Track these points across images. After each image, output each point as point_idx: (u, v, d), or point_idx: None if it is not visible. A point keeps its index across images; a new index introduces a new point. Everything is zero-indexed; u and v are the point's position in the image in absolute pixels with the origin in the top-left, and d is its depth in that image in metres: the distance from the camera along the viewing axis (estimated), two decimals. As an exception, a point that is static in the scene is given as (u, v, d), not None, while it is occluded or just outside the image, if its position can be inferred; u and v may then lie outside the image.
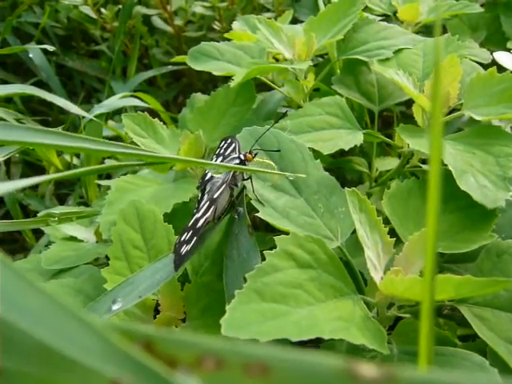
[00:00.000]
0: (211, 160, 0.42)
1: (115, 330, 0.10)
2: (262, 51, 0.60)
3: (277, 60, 0.63)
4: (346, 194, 0.33)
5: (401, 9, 0.69)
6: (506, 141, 0.39)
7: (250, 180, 0.37)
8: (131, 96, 0.80)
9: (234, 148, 0.40)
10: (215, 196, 0.35)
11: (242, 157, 0.37)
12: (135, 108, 0.81)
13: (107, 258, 0.50)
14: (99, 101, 1.15)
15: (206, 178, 0.40)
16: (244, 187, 0.37)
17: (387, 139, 0.49)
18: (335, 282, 0.31)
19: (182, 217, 0.46)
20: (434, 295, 0.17)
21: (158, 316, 0.38)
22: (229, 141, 0.42)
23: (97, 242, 0.54)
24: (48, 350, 0.10)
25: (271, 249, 0.31)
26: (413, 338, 0.35)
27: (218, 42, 1.13)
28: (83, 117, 0.72)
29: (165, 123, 0.58)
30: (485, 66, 0.65)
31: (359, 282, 0.36)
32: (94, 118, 0.70)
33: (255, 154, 0.37)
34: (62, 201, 0.94)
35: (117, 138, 0.89)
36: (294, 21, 0.83)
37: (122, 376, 0.09)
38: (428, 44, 0.50)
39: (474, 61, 0.65)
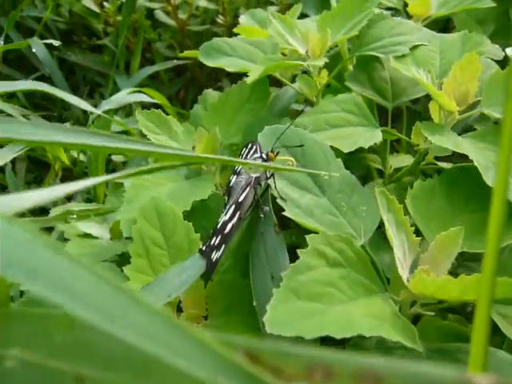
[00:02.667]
0: (233, 167, 0.42)
1: (219, 341, 0.10)
2: (275, 47, 0.59)
3: (284, 55, 0.62)
4: (376, 194, 0.33)
5: (411, 3, 0.69)
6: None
7: (272, 178, 0.37)
8: (138, 92, 0.79)
9: (256, 150, 0.40)
10: (240, 199, 0.35)
11: (264, 156, 0.37)
12: (141, 104, 0.80)
13: (122, 255, 0.50)
14: (102, 95, 1.15)
15: (231, 183, 0.40)
16: (268, 186, 0.38)
17: (405, 137, 0.49)
18: (364, 280, 0.32)
19: (201, 215, 0.46)
20: (491, 300, 0.17)
21: (181, 314, 0.38)
22: (249, 145, 0.42)
23: (111, 238, 0.54)
24: (151, 361, 0.10)
25: (296, 248, 0.32)
26: (436, 335, 0.35)
27: (221, 36, 1.13)
28: (91, 113, 0.72)
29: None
30: (497, 63, 0.66)
31: (383, 279, 0.36)
32: (103, 114, 0.70)
33: (277, 153, 0.38)
34: (69, 197, 0.93)
35: (125, 133, 0.89)
36: (300, 15, 0.83)
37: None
38: (445, 40, 0.50)
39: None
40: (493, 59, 0.66)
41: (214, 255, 0.33)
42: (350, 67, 0.59)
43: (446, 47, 0.50)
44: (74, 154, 0.85)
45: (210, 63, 0.58)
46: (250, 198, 0.37)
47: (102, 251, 0.49)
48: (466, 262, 0.40)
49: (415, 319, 0.37)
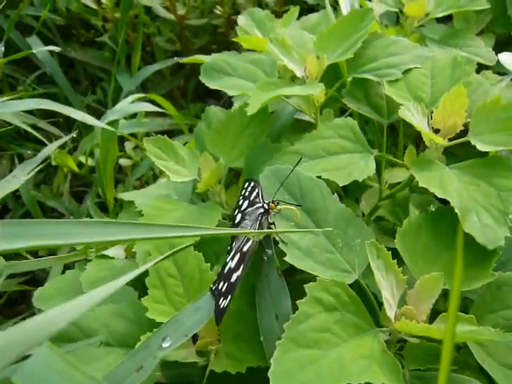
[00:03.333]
0: (238, 202, 0.46)
1: None
2: (274, 65, 0.62)
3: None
4: (366, 246, 0.37)
5: (407, 5, 0.71)
6: (509, 173, 0.43)
7: (274, 225, 0.41)
8: (143, 98, 0.82)
9: (258, 194, 0.43)
10: (245, 249, 0.38)
11: (265, 206, 0.41)
12: (146, 112, 0.83)
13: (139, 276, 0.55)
14: (103, 89, 1.17)
15: (236, 221, 0.44)
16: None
17: (397, 160, 0.52)
18: (356, 320, 0.36)
19: (211, 242, 0.50)
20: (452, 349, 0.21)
21: (197, 342, 0.42)
22: (252, 184, 0.45)
23: (126, 257, 0.58)
24: None
25: (297, 288, 0.36)
26: (422, 356, 0.40)
27: (220, 27, 1.12)
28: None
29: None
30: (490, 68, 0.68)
31: (375, 311, 0.40)
32: (108, 127, 0.72)
33: (277, 203, 0.41)
34: (78, 198, 0.97)
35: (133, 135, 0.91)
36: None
37: None
38: (436, 65, 0.53)
39: (478, 63, 0.67)
40: (485, 65, 0.68)
41: (222, 302, 0.37)
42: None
43: (437, 71, 0.52)
44: (82, 159, 0.88)
45: (212, 85, 0.60)
46: (254, 244, 0.41)
47: (118, 273, 0.53)
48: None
49: (404, 341, 0.41)
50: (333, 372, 0.31)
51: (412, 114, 0.45)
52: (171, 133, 1.02)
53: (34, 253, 0.94)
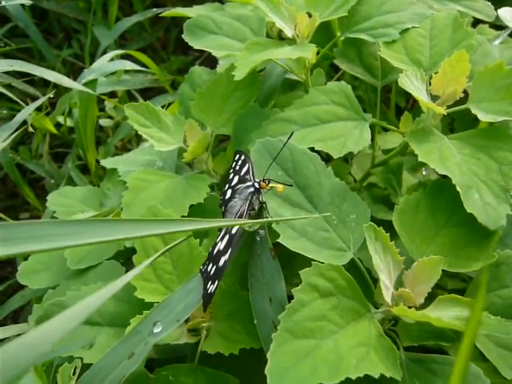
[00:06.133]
0: (228, 176, 0.43)
1: None
2: (261, 22, 0.57)
3: (269, 35, 0.60)
4: (364, 229, 0.35)
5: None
6: (509, 145, 0.41)
7: (265, 204, 0.39)
8: (123, 54, 0.76)
9: (248, 170, 0.41)
10: (233, 231, 0.36)
11: (256, 185, 0.39)
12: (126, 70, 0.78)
13: (124, 251, 0.53)
14: (79, 41, 1.09)
15: (226, 197, 0.42)
16: (264, 209, 0.39)
17: (393, 127, 0.50)
18: (353, 304, 0.35)
19: (198, 216, 0.48)
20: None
21: (189, 322, 0.41)
22: (242, 158, 0.43)
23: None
24: None
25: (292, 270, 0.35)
26: (417, 333, 0.40)
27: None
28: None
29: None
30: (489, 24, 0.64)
31: (370, 286, 0.40)
32: (86, 89, 0.68)
33: (268, 181, 0.39)
34: (58, 158, 0.93)
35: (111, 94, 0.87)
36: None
37: None
38: (435, 25, 0.49)
39: (476, 19, 0.63)
40: (484, 21, 0.64)
41: (210, 287, 0.36)
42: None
43: (436, 32, 0.49)
44: (60, 119, 0.84)
45: (197, 44, 0.56)
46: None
47: (105, 249, 0.51)
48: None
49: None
50: (330, 365, 0.30)
51: (411, 82, 0.42)
52: (152, 90, 0.97)
53: (16, 218, 0.92)
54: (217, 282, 0.35)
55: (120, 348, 0.36)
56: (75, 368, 0.38)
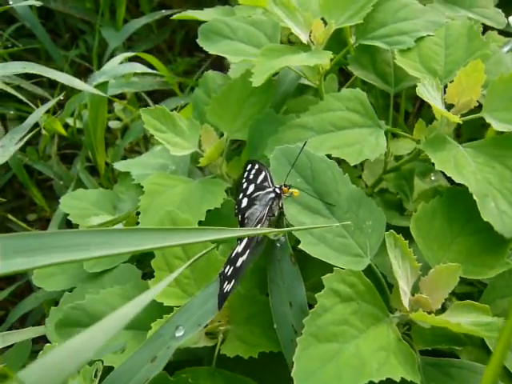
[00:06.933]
0: (242, 185, 0.44)
1: None
2: (276, 27, 0.58)
3: (287, 41, 0.61)
4: (385, 237, 0.36)
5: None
6: (523, 153, 0.42)
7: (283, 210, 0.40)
8: (133, 56, 0.77)
9: (266, 177, 0.42)
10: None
11: (277, 190, 0.39)
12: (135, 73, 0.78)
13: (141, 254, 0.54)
14: (86, 42, 1.10)
15: (242, 205, 0.42)
16: (283, 215, 0.40)
17: (407, 135, 0.50)
18: (372, 309, 0.36)
19: (215, 220, 0.49)
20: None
21: (207, 326, 0.42)
22: (256, 167, 0.43)
23: (126, 231, 0.57)
24: None
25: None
26: (430, 337, 0.41)
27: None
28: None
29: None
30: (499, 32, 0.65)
31: (386, 291, 0.40)
32: (97, 91, 0.68)
33: (289, 186, 0.39)
34: (66, 160, 0.94)
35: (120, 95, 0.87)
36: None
37: None
38: (450, 33, 0.50)
39: (486, 26, 0.64)
40: (494, 28, 0.65)
41: (226, 286, 0.36)
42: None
43: (451, 41, 0.49)
44: (69, 121, 0.84)
45: (212, 49, 0.56)
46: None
47: (121, 251, 0.52)
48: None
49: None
50: (353, 369, 0.31)
51: (427, 91, 0.43)
52: (159, 92, 0.98)
53: (23, 219, 0.92)
54: (233, 282, 0.36)
55: (143, 352, 0.36)
56: (96, 371, 0.39)
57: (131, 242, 0.25)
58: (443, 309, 0.38)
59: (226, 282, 0.37)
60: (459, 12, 0.64)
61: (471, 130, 0.70)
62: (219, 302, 0.37)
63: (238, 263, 0.37)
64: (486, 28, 0.66)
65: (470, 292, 0.52)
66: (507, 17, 0.64)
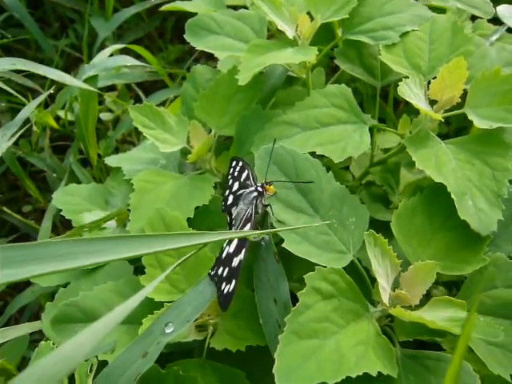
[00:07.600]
0: (228, 182, 0.45)
1: None
2: (262, 21, 0.58)
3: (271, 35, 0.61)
4: (365, 237, 0.37)
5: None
6: (503, 151, 0.43)
7: (269, 207, 0.41)
8: (123, 48, 0.77)
9: (248, 176, 0.43)
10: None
11: (259, 189, 0.40)
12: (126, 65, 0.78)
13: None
14: (75, 31, 1.09)
15: (228, 202, 0.43)
16: (267, 213, 0.41)
17: (391, 129, 0.51)
18: (353, 305, 0.37)
19: (204, 216, 0.50)
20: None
21: (197, 320, 0.44)
22: (240, 164, 0.44)
23: (117, 226, 0.58)
24: None
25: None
26: (411, 329, 0.42)
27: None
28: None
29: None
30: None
31: (368, 285, 0.42)
32: (87, 86, 0.68)
33: (271, 183, 0.40)
34: (59, 151, 0.94)
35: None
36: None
37: None
38: (435, 28, 0.50)
39: (475, 16, 0.64)
40: (481, 18, 0.65)
41: (225, 287, 0.38)
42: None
43: (436, 36, 0.50)
44: (60, 113, 0.84)
45: (199, 45, 0.56)
46: (250, 227, 0.40)
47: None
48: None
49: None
50: (333, 364, 0.32)
51: (410, 89, 0.43)
52: (152, 82, 0.98)
53: (19, 211, 0.93)
54: (234, 282, 0.37)
55: (135, 347, 0.38)
56: (91, 365, 0.40)
57: (120, 250, 0.26)
58: (423, 301, 0.40)
59: (224, 283, 0.38)
60: (448, 2, 0.64)
61: (460, 121, 0.71)
62: (224, 303, 0.38)
63: (235, 263, 0.38)
64: (475, 16, 0.67)
65: (456, 280, 0.54)
66: (495, 7, 0.64)
